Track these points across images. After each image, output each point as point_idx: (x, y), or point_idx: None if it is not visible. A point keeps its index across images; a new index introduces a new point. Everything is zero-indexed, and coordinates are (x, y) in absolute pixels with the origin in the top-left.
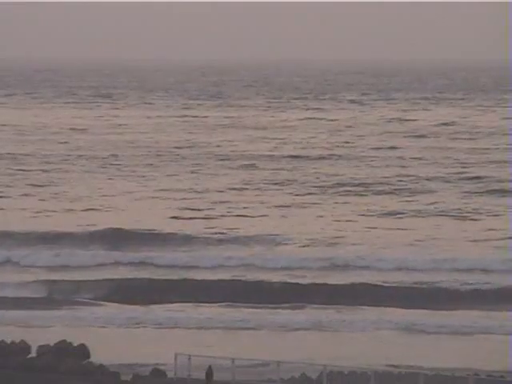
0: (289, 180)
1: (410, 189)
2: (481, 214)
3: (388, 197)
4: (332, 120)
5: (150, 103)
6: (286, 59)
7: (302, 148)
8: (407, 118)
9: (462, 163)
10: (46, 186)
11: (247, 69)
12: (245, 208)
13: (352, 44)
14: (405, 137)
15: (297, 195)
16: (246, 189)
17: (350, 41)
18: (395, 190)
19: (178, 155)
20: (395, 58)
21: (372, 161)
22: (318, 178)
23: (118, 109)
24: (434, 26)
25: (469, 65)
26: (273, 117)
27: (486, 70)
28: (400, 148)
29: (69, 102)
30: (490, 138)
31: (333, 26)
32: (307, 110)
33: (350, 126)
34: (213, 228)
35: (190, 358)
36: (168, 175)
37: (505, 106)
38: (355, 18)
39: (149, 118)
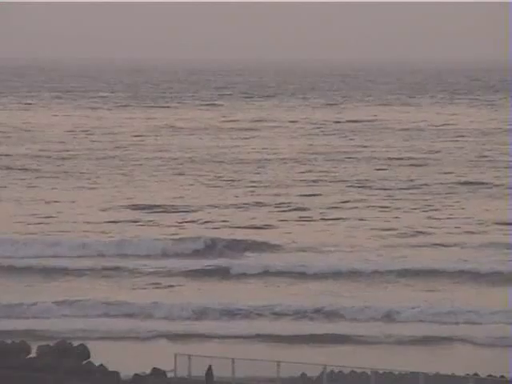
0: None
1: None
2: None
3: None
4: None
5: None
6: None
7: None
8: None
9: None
10: None
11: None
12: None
13: (351, 44)
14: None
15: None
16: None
17: (349, 41)
18: None
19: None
20: (394, 58)
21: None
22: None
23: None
24: (434, 27)
25: (468, 66)
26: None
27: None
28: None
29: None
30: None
31: (333, 26)
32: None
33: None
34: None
35: (190, 358)
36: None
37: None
38: (355, 18)
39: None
